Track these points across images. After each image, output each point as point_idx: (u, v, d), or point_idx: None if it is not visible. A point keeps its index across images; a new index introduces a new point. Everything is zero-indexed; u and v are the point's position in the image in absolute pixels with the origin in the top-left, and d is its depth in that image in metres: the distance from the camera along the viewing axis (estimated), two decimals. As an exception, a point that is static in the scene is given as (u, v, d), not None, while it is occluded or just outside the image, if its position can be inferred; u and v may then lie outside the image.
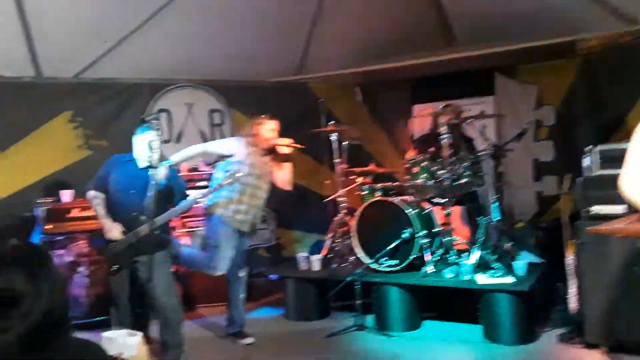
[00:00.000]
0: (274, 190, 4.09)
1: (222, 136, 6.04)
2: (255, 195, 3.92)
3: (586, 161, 3.58)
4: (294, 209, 6.06)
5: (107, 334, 1.31)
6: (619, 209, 3.09)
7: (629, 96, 4.88)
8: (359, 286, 3.99)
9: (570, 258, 3.61)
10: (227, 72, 5.85)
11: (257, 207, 3.96)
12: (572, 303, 3.57)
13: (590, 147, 3.56)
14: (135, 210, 3.32)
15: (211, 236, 3.87)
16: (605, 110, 5.05)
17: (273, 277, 4.93)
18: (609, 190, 2.99)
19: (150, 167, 3.17)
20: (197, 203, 3.54)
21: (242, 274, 4.06)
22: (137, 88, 5.68)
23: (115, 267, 3.42)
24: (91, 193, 3.52)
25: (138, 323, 3.50)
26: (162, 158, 3.38)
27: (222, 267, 3.84)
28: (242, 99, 6.09)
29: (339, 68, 5.90)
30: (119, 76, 5.55)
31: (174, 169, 3.74)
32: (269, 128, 4.02)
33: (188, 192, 3.66)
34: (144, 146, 3.35)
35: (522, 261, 4.01)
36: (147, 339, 2.70)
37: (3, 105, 5.02)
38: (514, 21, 4.97)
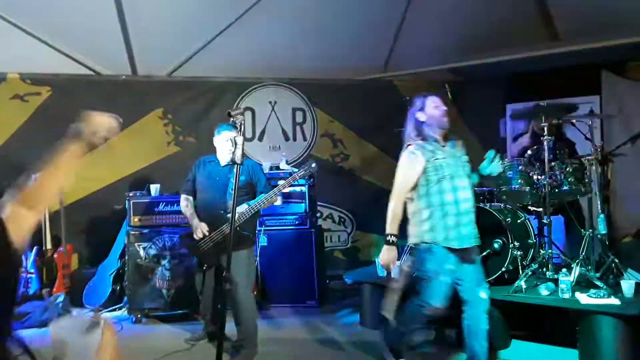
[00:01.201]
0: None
1: (303, 135, 6.03)
2: (458, 199, 2.96)
3: None
4: (372, 211, 5.90)
5: (54, 328, 0.86)
6: None
7: None
8: (441, 297, 3.73)
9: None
10: (310, 70, 5.84)
11: (467, 212, 2.99)
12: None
13: None
14: (219, 208, 3.35)
15: (420, 269, 3.06)
16: None
17: (349, 280, 4.79)
18: None
19: (233, 164, 3.16)
20: (273, 199, 3.45)
21: (484, 294, 3.06)
22: (225, 87, 5.83)
23: (204, 265, 3.49)
24: (182, 196, 3.71)
25: (218, 320, 3.56)
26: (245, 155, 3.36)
27: (436, 299, 3.00)
28: (324, 98, 6.05)
29: (427, 65, 5.66)
30: (207, 75, 5.72)
31: (257, 164, 3.74)
32: (432, 104, 3.07)
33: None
34: (225, 144, 3.36)
35: (630, 281, 3.54)
36: (223, 337, 2.69)
37: (101, 101, 5.33)
38: (624, 13, 4.45)
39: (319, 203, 5.56)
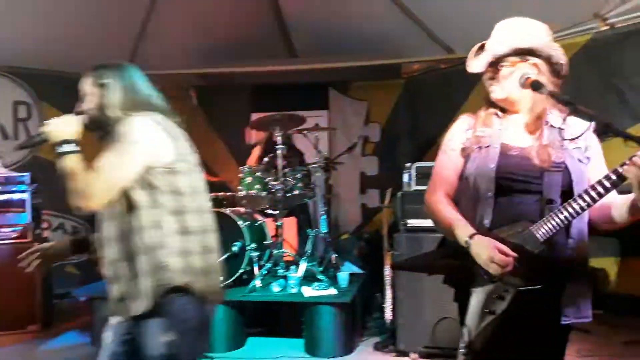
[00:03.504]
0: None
1: (27, 132, 5.22)
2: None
3: (405, 177, 3.80)
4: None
5: None
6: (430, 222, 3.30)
7: (442, 119, 5.38)
8: (181, 305, 3.67)
9: (387, 268, 3.79)
10: (38, 59, 5.11)
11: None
12: (388, 312, 3.75)
13: (409, 164, 3.80)
14: None
15: None
16: (421, 130, 5.53)
17: (82, 298, 4.33)
18: (423, 204, 3.16)
19: None
20: None
21: None
22: None
23: None
24: None
25: None
26: None
27: None
28: (56, 92, 5.33)
29: (173, 67, 5.52)
30: None
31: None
32: None
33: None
34: None
35: (345, 272, 4.11)
36: None
37: None
38: (348, 39, 5.18)
39: (46, 212, 4.87)
